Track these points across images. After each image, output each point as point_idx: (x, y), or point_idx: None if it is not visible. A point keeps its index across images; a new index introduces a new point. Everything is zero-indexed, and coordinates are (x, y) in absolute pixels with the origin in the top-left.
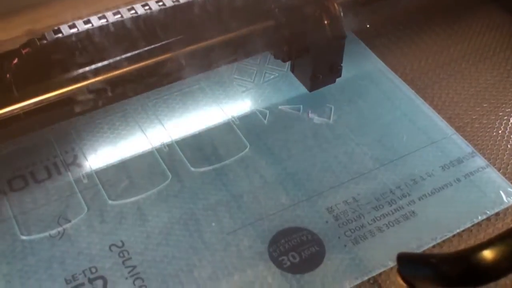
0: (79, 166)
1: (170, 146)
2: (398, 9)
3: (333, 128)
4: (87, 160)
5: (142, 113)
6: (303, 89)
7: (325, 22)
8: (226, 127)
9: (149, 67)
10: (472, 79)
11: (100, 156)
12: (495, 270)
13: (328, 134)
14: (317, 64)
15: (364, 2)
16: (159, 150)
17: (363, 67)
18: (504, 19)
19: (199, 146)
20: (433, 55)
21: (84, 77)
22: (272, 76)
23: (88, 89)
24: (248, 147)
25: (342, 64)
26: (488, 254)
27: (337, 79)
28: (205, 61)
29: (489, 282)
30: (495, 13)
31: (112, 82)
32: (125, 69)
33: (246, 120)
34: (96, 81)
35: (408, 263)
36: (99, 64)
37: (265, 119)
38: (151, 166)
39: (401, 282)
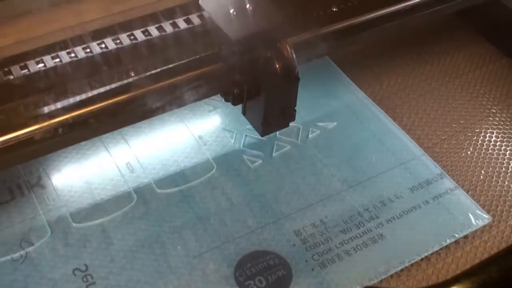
0: (43, 187)
1: (135, 167)
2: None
3: (301, 148)
4: (51, 181)
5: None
6: None
7: (277, 65)
8: (193, 147)
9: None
10: (441, 99)
11: (65, 176)
12: None
13: (296, 155)
14: (268, 108)
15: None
16: (124, 171)
17: (332, 86)
18: (473, 39)
19: (165, 166)
20: (402, 75)
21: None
22: None
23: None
24: (215, 167)
25: (295, 108)
26: None
27: (306, 97)
28: (146, 108)
29: None
30: (464, 34)
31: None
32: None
33: (213, 140)
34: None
35: None
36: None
37: (232, 139)
38: (116, 187)
39: None
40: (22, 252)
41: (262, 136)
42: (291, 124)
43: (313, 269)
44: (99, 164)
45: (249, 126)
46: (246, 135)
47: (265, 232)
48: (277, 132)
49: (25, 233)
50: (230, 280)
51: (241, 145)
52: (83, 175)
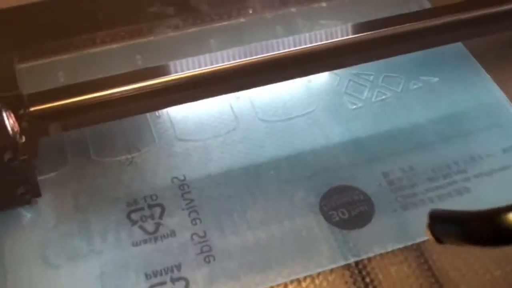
0: None
1: (242, 94)
2: None
3: (401, 98)
4: None
5: None
6: None
7: None
8: (298, 84)
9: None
10: None
11: None
12: None
13: (395, 104)
14: None
15: None
16: (231, 98)
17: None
18: None
19: (270, 99)
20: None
21: None
22: None
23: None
24: (316, 105)
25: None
26: None
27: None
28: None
29: None
30: None
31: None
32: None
33: (317, 80)
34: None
35: (438, 219)
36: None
37: (336, 81)
38: (222, 113)
39: (431, 236)
40: (129, 156)
41: None
42: (394, 74)
43: (395, 210)
44: None
45: (354, 71)
46: (350, 80)
47: (354, 170)
48: (380, 80)
49: (133, 140)
50: (315, 208)
51: (344, 88)
52: None
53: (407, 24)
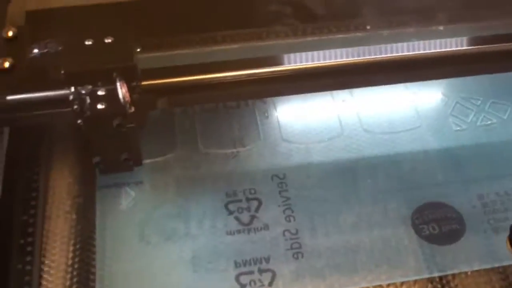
0: (264, 102)
1: (350, 104)
2: None
3: (505, 125)
4: (272, 98)
5: None
6: None
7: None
8: (406, 101)
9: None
10: None
11: (285, 98)
12: None
13: (498, 129)
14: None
15: None
16: (339, 107)
17: None
18: None
19: (376, 113)
20: None
21: None
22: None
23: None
24: (421, 123)
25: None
26: None
27: None
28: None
29: None
30: None
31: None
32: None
33: (426, 99)
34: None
35: None
36: None
37: (444, 102)
38: (328, 120)
39: (509, 248)
40: (235, 151)
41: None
42: (502, 102)
43: (485, 231)
44: (318, 99)
45: (463, 95)
46: (457, 102)
47: (450, 188)
48: (487, 105)
49: (240, 136)
50: (407, 221)
51: (451, 110)
52: (302, 98)
53: None
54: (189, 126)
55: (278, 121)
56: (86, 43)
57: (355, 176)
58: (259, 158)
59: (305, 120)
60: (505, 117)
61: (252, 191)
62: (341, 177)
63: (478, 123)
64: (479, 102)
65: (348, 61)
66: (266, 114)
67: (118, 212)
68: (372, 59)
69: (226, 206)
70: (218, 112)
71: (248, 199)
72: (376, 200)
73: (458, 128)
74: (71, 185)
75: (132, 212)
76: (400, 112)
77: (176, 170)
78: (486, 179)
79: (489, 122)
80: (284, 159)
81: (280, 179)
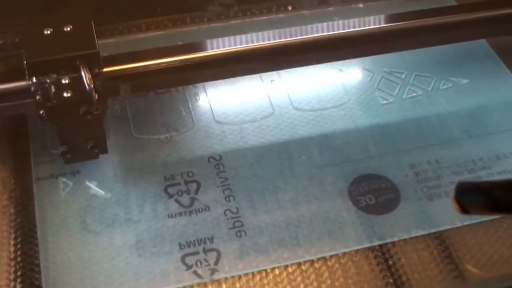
0: (195, 86)
1: (279, 84)
2: None
3: (430, 97)
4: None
5: None
6: None
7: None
8: (333, 78)
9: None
10: None
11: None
12: None
13: (424, 101)
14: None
15: None
16: (267, 85)
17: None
18: None
19: (305, 91)
20: None
21: None
22: None
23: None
24: (350, 99)
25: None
26: None
27: (443, 52)
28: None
29: None
30: None
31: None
32: None
33: (352, 75)
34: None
35: (465, 190)
36: None
37: (369, 77)
38: (259, 101)
39: (457, 207)
40: (168, 135)
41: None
42: (425, 74)
43: (420, 199)
44: (248, 79)
45: (386, 69)
46: (382, 77)
47: (382, 160)
48: (412, 78)
49: (173, 121)
50: (344, 193)
51: (377, 84)
52: (232, 83)
53: (435, 18)
54: (121, 113)
55: (209, 104)
56: (45, 32)
57: (289, 153)
58: (193, 141)
59: (236, 102)
60: (429, 89)
61: (190, 174)
62: (276, 155)
63: (404, 96)
64: (404, 75)
65: (274, 43)
66: (197, 98)
67: (57, 203)
68: (296, 40)
69: (165, 190)
70: (149, 98)
71: (186, 182)
72: (312, 175)
73: (385, 102)
74: (6, 179)
75: (71, 202)
76: (328, 89)
77: (111, 157)
78: (416, 149)
79: (414, 94)
80: (219, 140)
81: (217, 160)
